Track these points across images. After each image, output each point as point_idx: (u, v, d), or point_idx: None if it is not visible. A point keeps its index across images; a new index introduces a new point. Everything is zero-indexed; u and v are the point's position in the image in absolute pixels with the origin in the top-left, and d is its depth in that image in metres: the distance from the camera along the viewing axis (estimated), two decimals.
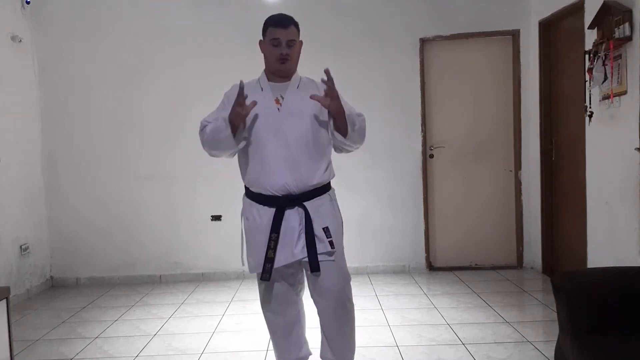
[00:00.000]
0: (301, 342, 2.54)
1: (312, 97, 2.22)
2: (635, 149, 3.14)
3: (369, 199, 4.89)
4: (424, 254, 4.91)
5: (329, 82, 2.19)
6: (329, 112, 2.30)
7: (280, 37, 2.26)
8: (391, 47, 4.81)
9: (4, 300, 2.40)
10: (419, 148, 4.84)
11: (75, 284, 4.92)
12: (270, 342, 2.63)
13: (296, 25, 2.32)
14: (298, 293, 2.49)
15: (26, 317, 4.00)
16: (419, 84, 4.82)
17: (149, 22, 4.85)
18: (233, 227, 4.89)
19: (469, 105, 4.89)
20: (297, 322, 2.50)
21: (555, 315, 2.29)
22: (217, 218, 4.91)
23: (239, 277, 4.91)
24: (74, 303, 4.33)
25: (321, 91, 2.28)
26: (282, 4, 4.77)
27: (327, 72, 2.19)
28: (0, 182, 4.23)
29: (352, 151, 2.43)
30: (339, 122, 2.28)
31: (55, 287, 4.89)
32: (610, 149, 3.46)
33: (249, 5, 4.81)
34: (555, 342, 2.23)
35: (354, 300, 2.42)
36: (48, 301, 4.43)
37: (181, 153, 4.87)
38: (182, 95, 4.85)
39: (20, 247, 4.45)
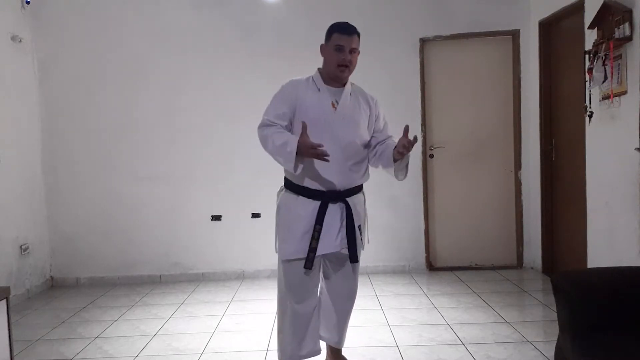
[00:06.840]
0: (317, 335, 2.62)
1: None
2: (635, 149, 3.14)
3: (369, 199, 4.80)
4: (424, 254, 4.91)
5: (409, 145, 2.31)
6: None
7: (344, 44, 2.38)
8: (391, 47, 4.81)
9: (4, 300, 2.41)
10: (419, 148, 4.83)
11: (75, 284, 4.92)
12: (277, 339, 2.62)
13: (359, 35, 2.44)
14: (318, 284, 2.63)
15: (26, 317, 3.99)
16: (419, 84, 4.82)
17: (149, 22, 4.85)
18: (233, 227, 4.91)
19: (469, 105, 4.89)
20: (316, 315, 2.60)
21: (555, 315, 2.29)
22: (217, 218, 4.91)
23: (239, 277, 4.91)
24: (74, 303, 4.33)
25: (369, 103, 2.54)
26: (282, 3, 4.77)
27: (413, 139, 2.30)
28: (1, 182, 4.23)
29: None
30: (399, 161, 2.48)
31: (55, 287, 4.89)
32: (610, 149, 3.46)
33: (249, 5, 4.81)
34: (555, 342, 2.23)
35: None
36: (48, 301, 4.43)
37: (181, 153, 4.87)
38: (182, 95, 4.85)
39: (20, 247, 4.45)
